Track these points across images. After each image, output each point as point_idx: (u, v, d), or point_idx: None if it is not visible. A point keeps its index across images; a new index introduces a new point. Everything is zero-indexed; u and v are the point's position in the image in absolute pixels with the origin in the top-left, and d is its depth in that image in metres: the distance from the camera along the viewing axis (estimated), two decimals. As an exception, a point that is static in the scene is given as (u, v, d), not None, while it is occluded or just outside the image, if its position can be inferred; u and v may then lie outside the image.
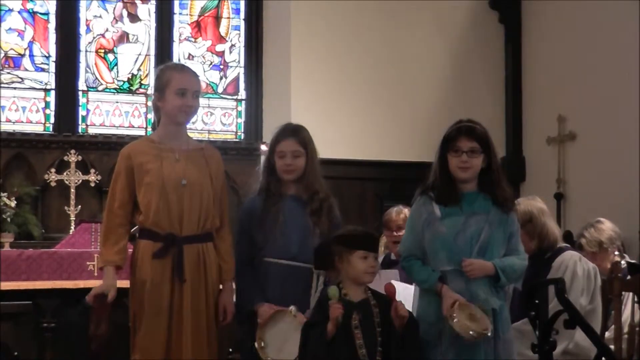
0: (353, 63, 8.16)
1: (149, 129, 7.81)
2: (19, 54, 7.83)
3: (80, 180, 7.14)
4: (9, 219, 6.98)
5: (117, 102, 8.12)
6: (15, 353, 5.37)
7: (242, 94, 8.45)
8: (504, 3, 8.51)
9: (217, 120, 8.40)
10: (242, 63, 8.47)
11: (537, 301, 3.71)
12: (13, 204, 7.07)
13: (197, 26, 8.42)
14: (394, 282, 3.97)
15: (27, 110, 7.83)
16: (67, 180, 7.10)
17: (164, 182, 4.06)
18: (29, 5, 7.90)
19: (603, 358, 3.81)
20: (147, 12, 8.25)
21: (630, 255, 6.00)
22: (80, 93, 7.99)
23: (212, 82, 8.41)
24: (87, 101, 8.02)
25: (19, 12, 7.86)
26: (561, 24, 8.02)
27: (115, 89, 8.13)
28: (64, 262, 5.44)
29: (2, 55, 7.74)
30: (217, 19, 8.48)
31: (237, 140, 8.36)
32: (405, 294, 4.18)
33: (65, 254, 5.51)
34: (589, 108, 7.62)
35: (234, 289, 4.26)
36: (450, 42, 8.46)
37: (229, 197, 4.47)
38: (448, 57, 8.44)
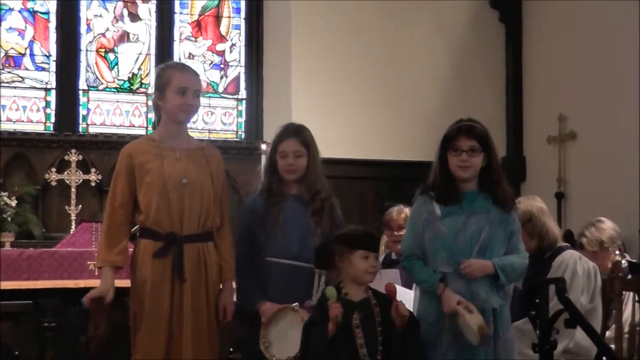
0: (353, 63, 8.16)
1: (150, 129, 7.80)
2: (20, 53, 7.83)
3: (81, 180, 7.14)
4: (9, 219, 6.98)
5: (117, 101, 8.12)
6: (16, 352, 5.37)
7: (243, 94, 8.46)
8: (504, 2, 8.51)
9: (217, 119, 8.40)
10: (242, 62, 8.47)
11: (537, 300, 3.71)
12: (14, 203, 7.07)
13: (198, 25, 8.42)
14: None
15: (27, 110, 7.83)
16: (67, 179, 7.10)
17: (165, 181, 4.06)
18: (30, 5, 7.89)
19: (604, 357, 3.80)
20: (148, 12, 8.25)
21: (630, 254, 6.01)
22: (80, 92, 7.99)
23: (213, 82, 8.41)
24: (88, 100, 8.02)
25: (19, 11, 7.86)
26: (562, 24, 8.02)
27: (115, 88, 8.12)
28: (64, 261, 5.44)
29: (3, 54, 7.74)
30: (218, 18, 8.48)
31: (237, 139, 8.36)
32: (406, 298, 4.18)
33: (65, 253, 5.51)
34: (590, 107, 7.63)
35: (234, 289, 4.26)
36: (450, 42, 8.46)
37: (229, 196, 4.47)
38: (448, 56, 8.44)
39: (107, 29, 8.12)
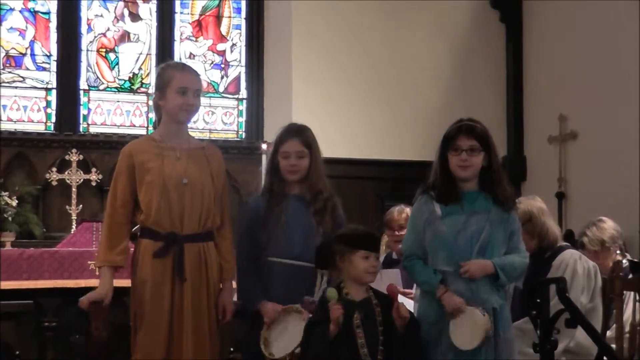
0: (354, 62, 8.16)
1: (150, 128, 7.80)
2: (21, 53, 7.83)
3: (82, 180, 7.14)
4: (10, 218, 6.98)
5: (118, 101, 8.11)
6: (17, 352, 5.37)
7: (243, 93, 8.45)
8: (504, 2, 8.51)
9: (218, 119, 8.40)
10: (243, 62, 8.47)
11: (538, 300, 3.71)
12: (14, 203, 7.07)
13: (198, 25, 8.42)
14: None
15: (28, 110, 7.83)
16: (68, 179, 7.10)
17: (165, 181, 4.06)
18: (31, 5, 7.89)
19: (604, 357, 3.81)
20: (148, 11, 8.25)
21: (631, 254, 6.01)
22: (81, 92, 7.99)
23: (213, 81, 8.41)
24: (89, 100, 8.02)
25: (20, 11, 7.86)
26: (562, 23, 8.02)
27: (116, 88, 8.12)
28: (65, 261, 5.44)
29: (4, 54, 7.74)
30: (218, 18, 8.48)
31: (238, 139, 8.36)
32: (406, 300, 4.19)
33: (66, 253, 5.51)
34: (590, 107, 7.62)
35: (234, 288, 4.26)
36: (451, 42, 8.46)
37: (229, 196, 4.47)
38: (449, 56, 8.44)
39: (108, 29, 8.12)
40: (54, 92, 7.89)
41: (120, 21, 8.16)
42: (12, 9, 7.82)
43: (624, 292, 4.56)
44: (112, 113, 8.08)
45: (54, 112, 7.87)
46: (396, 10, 8.24)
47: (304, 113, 7.25)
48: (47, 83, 7.89)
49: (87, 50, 8.02)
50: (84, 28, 8.02)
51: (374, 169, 8.11)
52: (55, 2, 7.90)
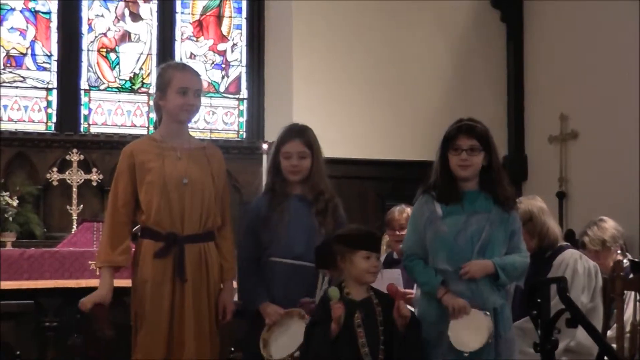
0: (354, 62, 8.15)
1: (151, 128, 7.81)
2: (21, 53, 7.83)
3: (82, 180, 7.13)
4: (11, 218, 6.98)
5: (119, 101, 8.11)
6: (17, 352, 5.37)
7: (244, 93, 8.45)
8: (505, 2, 8.50)
9: (219, 119, 8.40)
10: (244, 62, 8.47)
11: (538, 300, 3.71)
12: (15, 203, 7.07)
13: (199, 25, 8.42)
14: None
15: (29, 110, 7.83)
16: (69, 179, 7.10)
17: (166, 181, 4.05)
18: (31, 5, 7.90)
19: (605, 357, 3.81)
20: (149, 11, 8.25)
21: (632, 254, 6.01)
22: (82, 92, 7.99)
23: (214, 81, 8.41)
24: (89, 100, 8.02)
25: (21, 11, 7.86)
26: (563, 23, 8.02)
27: (117, 88, 8.12)
28: (65, 261, 5.44)
29: (4, 54, 7.74)
30: (219, 18, 8.48)
31: (238, 139, 8.36)
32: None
33: (67, 253, 5.51)
34: (591, 107, 7.62)
35: (234, 288, 4.26)
36: (451, 42, 8.46)
37: (230, 196, 4.47)
38: (449, 56, 8.44)
39: (109, 29, 8.12)
40: (54, 92, 7.89)
41: (121, 21, 8.16)
42: (12, 9, 7.82)
43: (625, 291, 4.55)
44: (112, 113, 8.08)
45: (54, 112, 7.87)
46: (397, 10, 8.24)
47: (304, 113, 7.26)
48: (48, 83, 7.89)
49: (88, 50, 8.02)
50: (84, 28, 8.02)
51: (375, 169, 8.11)
52: (56, 2, 7.90)
